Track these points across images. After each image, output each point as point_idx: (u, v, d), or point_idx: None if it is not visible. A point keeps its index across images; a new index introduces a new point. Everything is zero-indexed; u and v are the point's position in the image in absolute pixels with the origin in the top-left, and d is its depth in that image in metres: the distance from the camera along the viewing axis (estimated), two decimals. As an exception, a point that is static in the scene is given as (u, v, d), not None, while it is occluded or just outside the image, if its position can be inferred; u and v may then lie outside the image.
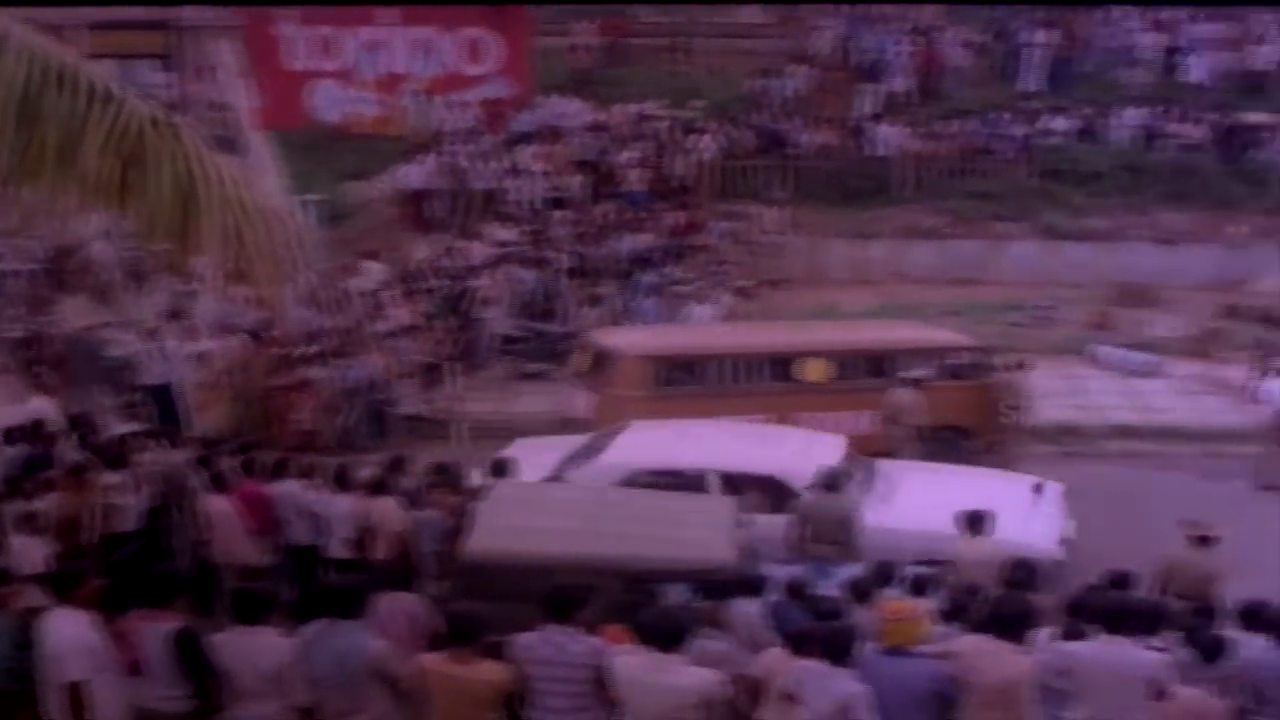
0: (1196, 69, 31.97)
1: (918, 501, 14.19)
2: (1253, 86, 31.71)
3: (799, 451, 14.61)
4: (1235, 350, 22.48)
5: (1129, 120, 30.11)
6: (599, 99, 30.73)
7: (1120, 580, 10.76)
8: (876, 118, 30.05)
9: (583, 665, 7.98)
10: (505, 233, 25.28)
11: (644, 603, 9.49)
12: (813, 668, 7.93)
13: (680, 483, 13.64)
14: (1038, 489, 14.68)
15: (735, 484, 13.67)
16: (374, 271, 22.94)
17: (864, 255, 27.39)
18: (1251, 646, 9.24)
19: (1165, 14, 33.75)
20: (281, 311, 19.38)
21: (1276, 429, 17.75)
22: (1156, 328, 23.68)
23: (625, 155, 28.24)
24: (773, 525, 12.90)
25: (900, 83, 31.50)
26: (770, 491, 13.78)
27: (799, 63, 32.01)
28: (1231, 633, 9.55)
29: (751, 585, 10.08)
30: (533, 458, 14.60)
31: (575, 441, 15.49)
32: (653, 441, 15.05)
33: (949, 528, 12.61)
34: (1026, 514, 13.99)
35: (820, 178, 28.65)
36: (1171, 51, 32.57)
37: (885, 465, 15.20)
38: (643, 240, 25.36)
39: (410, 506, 12.68)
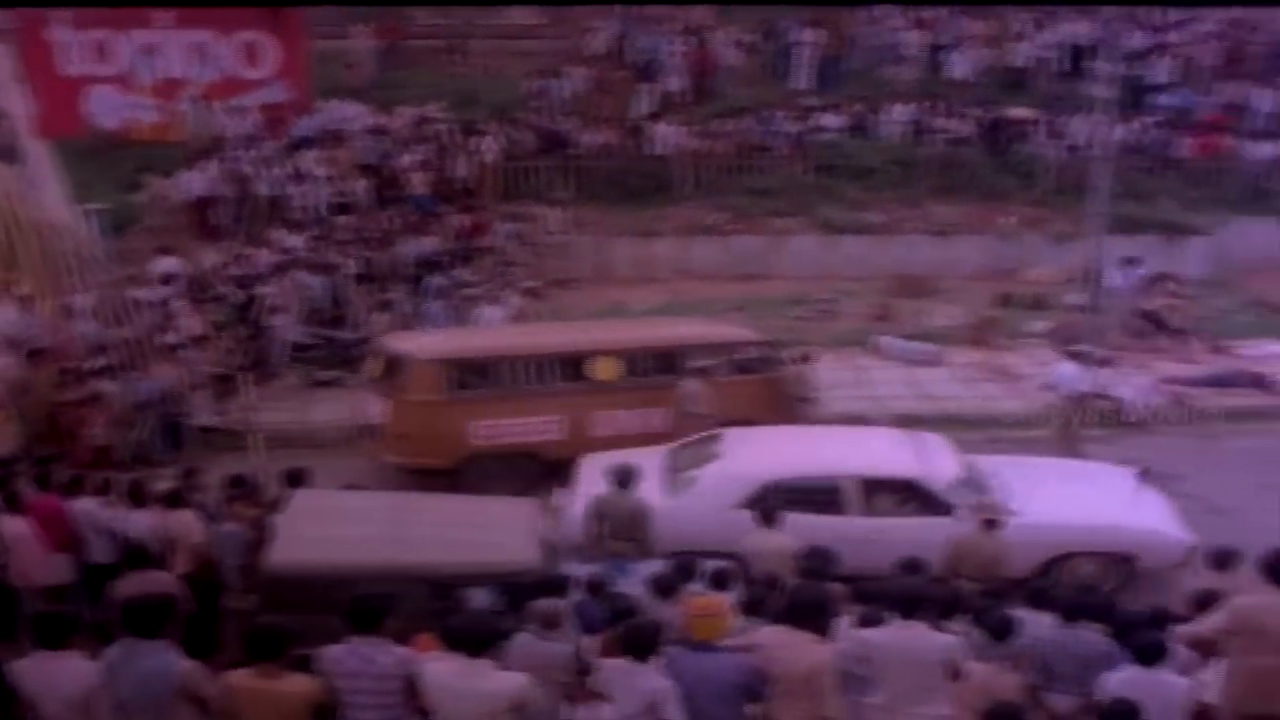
0: (960, 65, 32.86)
1: (1055, 495, 14.58)
2: (1013, 82, 32.82)
3: (921, 454, 14.80)
4: (1011, 337, 23.31)
5: (898, 116, 30.79)
6: (379, 102, 30.43)
7: (912, 566, 11.01)
8: (654, 117, 30.28)
9: (392, 676, 7.99)
10: (293, 239, 24.82)
11: (450, 608, 9.51)
12: (619, 666, 8.09)
13: (816, 490, 14.00)
14: (1143, 475, 15.04)
15: (870, 489, 13.99)
16: (169, 266, 22.32)
17: (648, 253, 27.59)
18: (1039, 625, 9.58)
19: (928, 12, 34.66)
20: (65, 325, 18.81)
21: (1067, 411, 18.31)
22: (935, 318, 24.24)
23: (408, 158, 27.99)
24: (913, 528, 13.22)
25: (676, 82, 31.83)
26: (904, 494, 14.06)
27: (576, 63, 32.15)
28: (1020, 612, 9.89)
29: (554, 585, 10.09)
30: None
31: (656, 457, 15.34)
32: (771, 451, 15.21)
33: (1111, 517, 13.85)
34: (1144, 501, 14.56)
35: (602, 177, 28.81)
36: (935, 49, 33.40)
37: (985, 463, 15.30)
38: (429, 243, 25.11)
39: (210, 520, 12.45)
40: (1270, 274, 26.47)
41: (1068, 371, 18.47)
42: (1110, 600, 10.34)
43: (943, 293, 25.75)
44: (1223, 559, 10.98)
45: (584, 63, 32.33)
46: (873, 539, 13.21)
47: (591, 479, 14.58)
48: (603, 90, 31.55)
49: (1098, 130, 22.77)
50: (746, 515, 13.22)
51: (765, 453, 15.08)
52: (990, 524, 12.31)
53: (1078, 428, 18.11)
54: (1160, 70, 32.61)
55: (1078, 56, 32.09)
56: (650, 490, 13.96)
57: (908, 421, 19.42)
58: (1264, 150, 30.01)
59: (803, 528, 13.08)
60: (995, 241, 28.01)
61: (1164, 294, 23.86)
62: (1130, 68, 30.20)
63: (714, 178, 29.15)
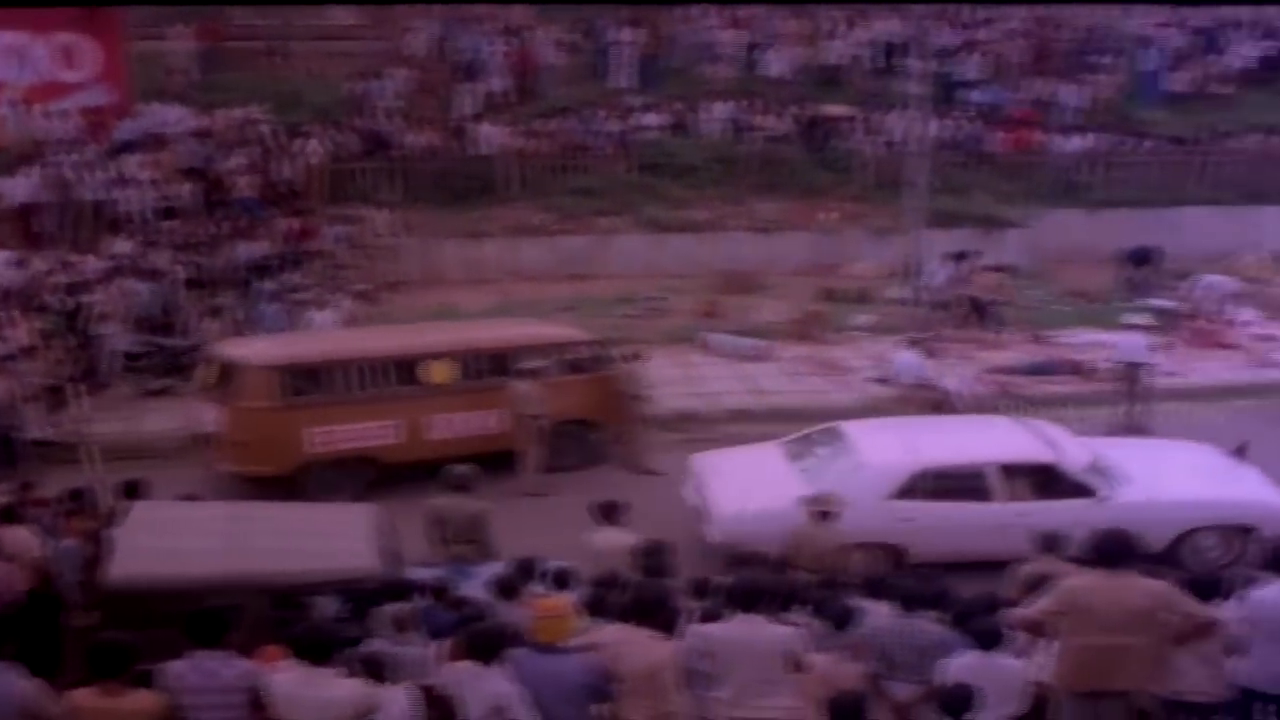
0: (776, 63, 33.25)
1: (1176, 473, 14.93)
2: (829, 79, 33.33)
3: (1049, 439, 14.98)
4: (836, 331, 23.61)
5: (717, 114, 31.10)
6: (200, 105, 29.76)
7: (752, 560, 11.18)
8: (477, 117, 30.22)
9: (236, 689, 7.85)
10: (123, 245, 24.23)
11: (294, 618, 9.43)
12: (466, 669, 8.05)
13: (961, 478, 14.18)
14: (1240, 452, 15.16)
15: (1011, 475, 14.09)
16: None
17: (477, 254, 27.51)
18: (878, 614, 9.69)
19: (744, 11, 35.08)
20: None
21: (910, 398, 18.67)
22: (762, 313, 24.44)
23: (233, 161, 27.52)
24: (1054, 511, 13.32)
25: (498, 82, 31.80)
26: (1043, 478, 14.19)
27: (397, 64, 31.93)
28: (859, 602, 10.02)
29: (398, 591, 10.08)
30: (742, 472, 15.03)
31: (772, 454, 15.51)
32: (904, 441, 15.15)
33: (1231, 492, 14.29)
34: (1248, 475, 14.80)
35: (428, 178, 28.66)
36: (751, 47, 33.75)
37: (1100, 445, 15.56)
38: (259, 248, 24.74)
39: (47, 536, 12.15)
40: (1083, 264, 27.22)
41: (908, 360, 18.81)
42: (944, 588, 10.52)
43: (768, 288, 26.01)
44: (1049, 542, 11.20)
45: (405, 63, 32.13)
46: (1016, 523, 13.03)
47: (715, 477, 14.99)
48: (425, 91, 31.42)
49: (913, 126, 23.26)
50: (900, 504, 13.88)
51: (901, 444, 15.10)
52: (824, 516, 12.40)
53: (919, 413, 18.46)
54: (971, 67, 33.41)
55: (890, 54, 32.55)
56: (785, 487, 14.12)
57: (740, 417, 19.81)
58: (1073, 144, 30.98)
59: (949, 515, 13.84)
60: (817, 237, 28.41)
61: (992, 285, 24.36)
62: (942, 65, 30.94)
63: (539, 177, 29.16)
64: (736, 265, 26.75)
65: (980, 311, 23.65)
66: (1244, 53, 35.07)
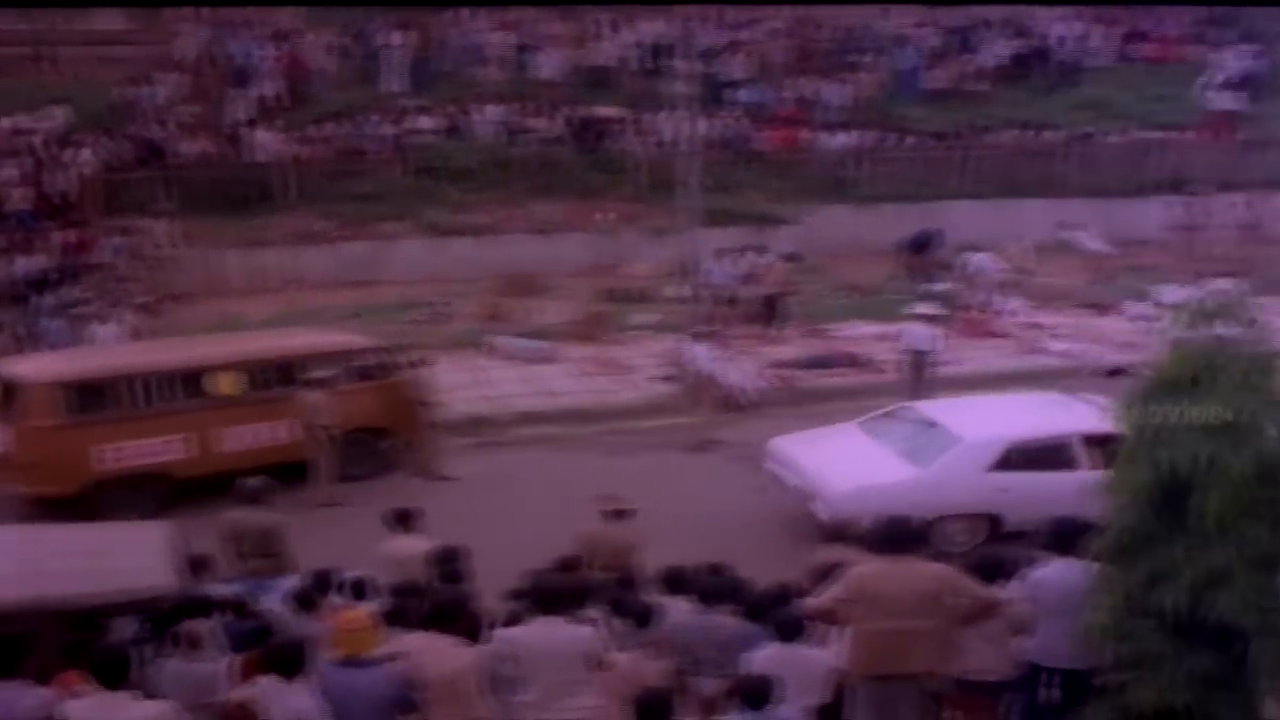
0: (546, 65, 33.42)
1: None
2: (598, 81, 33.53)
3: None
4: (619, 331, 23.93)
5: (490, 116, 31.11)
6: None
7: (569, 564, 11.29)
8: (251, 123, 29.76)
9: (34, 719, 7.70)
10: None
11: (91, 641, 9.27)
12: (268, 685, 7.96)
13: (1049, 449, 14.69)
14: None
15: (1090, 444, 14.25)
16: None
17: (259, 263, 27.08)
18: (677, 610, 9.83)
19: (512, 13, 35.17)
20: None
21: (701, 390, 19.03)
22: (545, 315, 24.63)
23: (3, 173, 26.64)
24: None
25: (270, 87, 31.35)
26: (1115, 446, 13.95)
27: (168, 69, 31.23)
28: (658, 598, 10.18)
29: (198, 607, 9.84)
30: (837, 453, 15.44)
31: (852, 435, 15.95)
32: (988, 416, 15.93)
33: None
34: None
35: (204, 187, 28.03)
36: (520, 49, 33.85)
37: None
38: (36, 262, 24.04)
39: None
40: (853, 257, 27.89)
41: (700, 353, 19.12)
42: (739, 582, 10.74)
43: (550, 290, 26.18)
44: (837, 531, 11.57)
45: (176, 68, 31.44)
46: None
47: (811, 458, 15.42)
48: (197, 97, 30.77)
49: (682, 126, 23.39)
50: (997, 476, 14.54)
51: (990, 420, 15.75)
52: (619, 514, 12.37)
53: (711, 406, 18.95)
54: (736, 67, 33.97)
55: (658, 55, 32.77)
56: (886, 464, 14.93)
57: (531, 419, 19.97)
58: (838, 141, 31.76)
59: (1040, 484, 14.18)
60: (596, 238, 28.66)
61: (782, 278, 24.74)
62: (708, 65, 31.33)
63: (317, 184, 28.82)
64: (517, 268, 26.79)
65: (772, 306, 24.06)
66: (997, 51, 36.41)
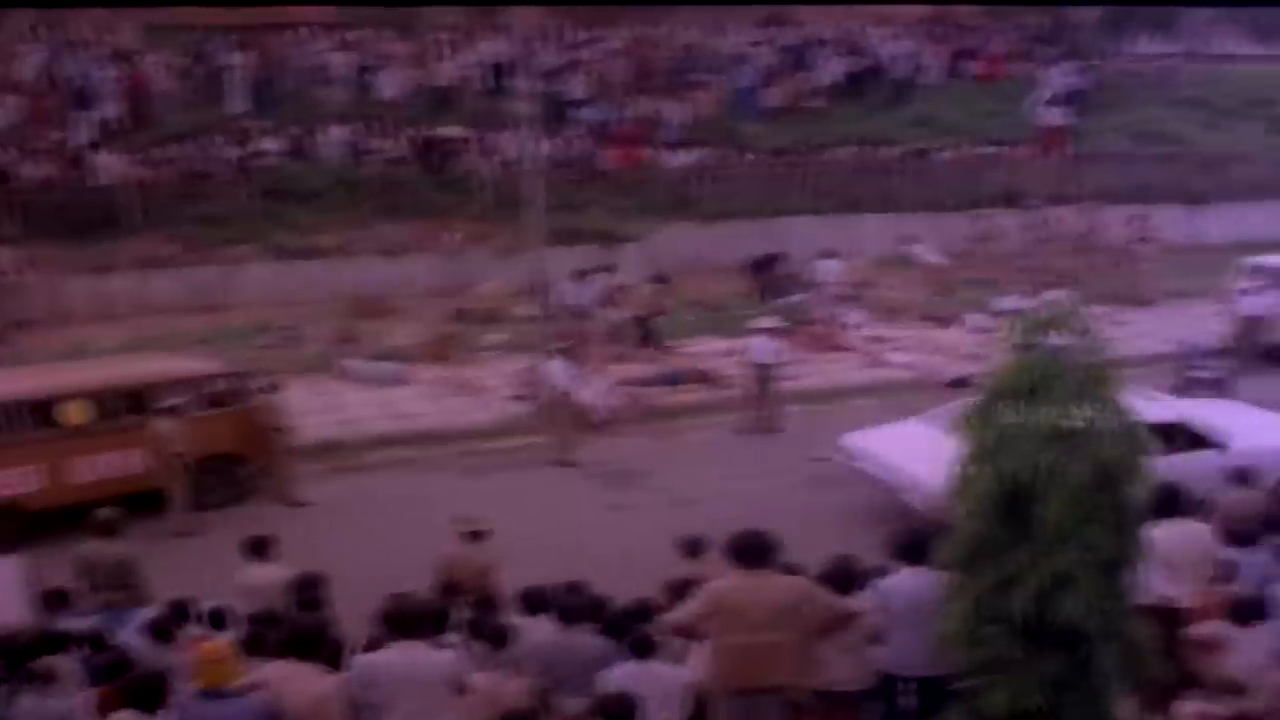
0: (388, 86, 33.31)
1: (1255, 426, 16.48)
2: (441, 101, 33.45)
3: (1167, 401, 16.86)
4: (470, 351, 23.83)
5: (335, 138, 30.92)
6: None
7: (438, 588, 11.22)
8: (94, 146, 29.15)
9: None
10: None
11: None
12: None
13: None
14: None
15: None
16: None
17: (105, 289, 26.50)
18: (538, 630, 9.90)
19: (352, 34, 35.03)
20: None
21: (558, 408, 18.93)
22: (396, 337, 24.45)
23: None
24: (1193, 461, 14.63)
25: (112, 109, 30.70)
26: (1173, 434, 14.93)
27: (6, 91, 30.43)
28: (517, 619, 10.23)
29: (54, 642, 9.71)
30: (925, 447, 15.02)
31: (930, 428, 15.90)
32: None
33: None
34: None
35: (48, 211, 27.29)
36: (363, 70, 33.67)
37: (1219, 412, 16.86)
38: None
39: None
40: (700, 274, 28.09)
41: (556, 370, 19.09)
42: (600, 599, 10.83)
43: (400, 312, 26.00)
44: (693, 546, 11.48)
45: (15, 90, 30.63)
46: (1168, 474, 13.53)
47: (900, 454, 15.89)
48: (38, 119, 30.00)
49: (525, 146, 23.42)
50: None
51: None
52: (476, 536, 12.30)
53: (568, 424, 18.91)
54: (577, 86, 34.13)
55: (499, 74, 32.93)
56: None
57: (385, 442, 19.84)
58: (680, 159, 32.11)
59: None
60: (444, 259, 28.48)
61: (648, 299, 24.77)
62: (549, 84, 31.43)
63: (162, 207, 28.23)
64: (367, 289, 26.68)
65: (644, 327, 24.02)
66: (832, 69, 37.06)
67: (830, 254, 26.44)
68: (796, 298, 25.63)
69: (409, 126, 31.77)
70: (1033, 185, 32.70)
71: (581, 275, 24.14)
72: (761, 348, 20.45)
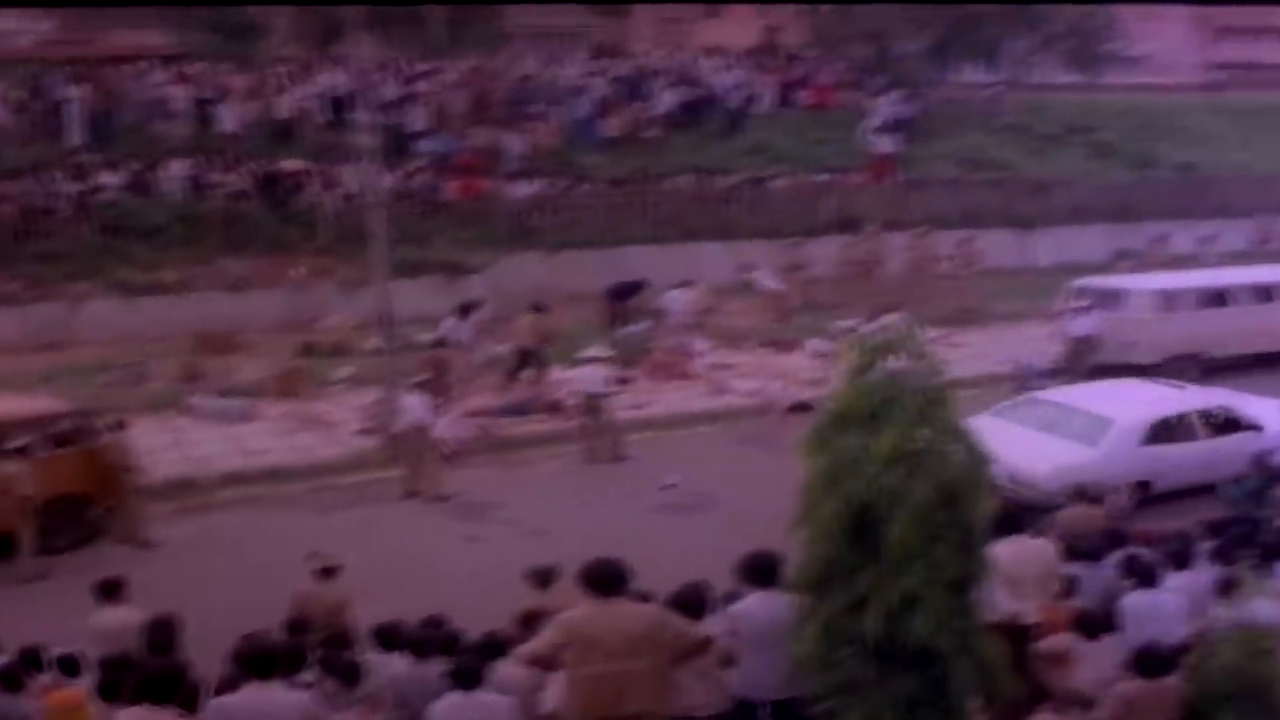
0: (229, 119, 32.90)
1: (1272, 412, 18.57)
2: (282, 133, 33.20)
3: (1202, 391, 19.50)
4: (318, 386, 23.55)
5: (175, 172, 30.38)
6: None
7: (291, 627, 11.15)
8: (-71, 181, 28.27)
9: None
10: None
11: None
12: None
13: (1176, 424, 17.86)
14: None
15: (1203, 419, 18.02)
16: None
17: (-57, 328, 25.70)
18: (392, 665, 9.92)
19: (190, 67, 34.62)
20: None
21: (416, 441, 18.77)
22: (243, 373, 23.99)
23: None
24: (1235, 441, 17.55)
25: (-53, 143, 29.82)
26: (1223, 420, 18.04)
27: None
28: (370, 655, 10.23)
29: None
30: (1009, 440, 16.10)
31: (996, 421, 17.33)
32: (1124, 399, 18.82)
33: None
34: None
35: (-115, 248, 26.40)
36: (202, 103, 33.24)
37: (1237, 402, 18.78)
38: None
39: None
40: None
41: (413, 404, 18.97)
42: (455, 633, 10.87)
43: (246, 347, 25.52)
44: (543, 577, 11.47)
45: None
46: (1216, 455, 17.28)
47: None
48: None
49: (367, 178, 23.23)
50: (1147, 449, 17.37)
51: (1127, 403, 18.53)
52: (329, 572, 12.15)
53: (426, 458, 18.77)
54: (417, 118, 34.09)
55: (338, 107, 32.72)
56: (1061, 447, 17.20)
57: (235, 479, 19.55)
58: (521, 189, 32.12)
59: (1177, 453, 17.48)
60: (290, 293, 28.11)
61: (529, 329, 24.11)
62: (389, 116, 31.37)
63: (1, 244, 27.59)
64: (212, 325, 26.10)
65: (526, 359, 23.67)
66: (666, 100, 37.44)
67: (685, 284, 26.62)
68: (640, 326, 25.71)
69: (250, 160, 31.32)
70: (866, 211, 33.35)
71: (465, 311, 23.76)
72: (588, 377, 20.52)
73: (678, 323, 25.59)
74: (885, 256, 31.10)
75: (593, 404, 20.32)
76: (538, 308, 24.19)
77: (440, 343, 23.15)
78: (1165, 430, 17.72)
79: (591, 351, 21.26)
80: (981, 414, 17.50)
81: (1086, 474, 15.79)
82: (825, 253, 31.40)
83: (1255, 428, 17.89)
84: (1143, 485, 17.27)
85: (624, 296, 26.86)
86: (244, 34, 39.74)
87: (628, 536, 15.01)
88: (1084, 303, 24.27)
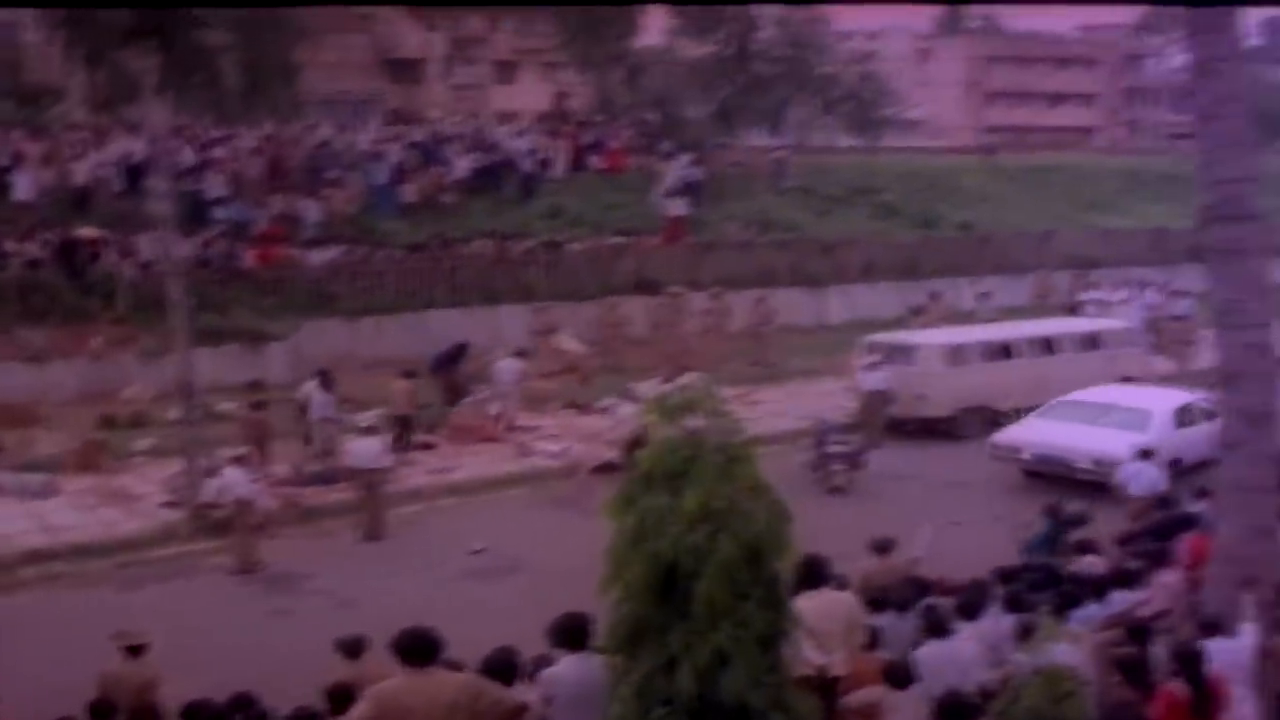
0: (23, 187, 31.98)
1: None
2: (77, 201, 32.36)
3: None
4: (120, 458, 22.88)
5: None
6: None
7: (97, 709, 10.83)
8: None
9: None
10: None
11: None
12: None
13: (1192, 408, 21.71)
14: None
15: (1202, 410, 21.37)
16: None
17: None
18: None
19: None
20: None
21: (239, 515, 18.25)
22: (41, 446, 23.19)
23: None
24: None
25: None
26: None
27: None
28: None
29: None
30: (1070, 433, 21.44)
31: (1048, 418, 22.44)
32: (1147, 395, 23.11)
33: None
34: None
35: None
36: (-1, 170, 32.22)
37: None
38: None
39: None
40: (348, 371, 27.06)
41: (232, 476, 18.46)
42: (265, 710, 10.69)
43: (45, 420, 24.63)
44: (352, 648, 11.24)
45: None
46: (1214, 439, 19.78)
47: (1051, 437, 21.76)
48: None
49: (165, 246, 22.63)
50: (1180, 431, 21.14)
51: (1151, 397, 22.82)
52: (135, 650, 11.70)
53: (248, 531, 18.31)
54: (214, 185, 33.47)
55: (135, 174, 32.08)
56: (1118, 435, 20.54)
57: (36, 557, 18.81)
58: (320, 256, 31.68)
59: (1197, 432, 20.55)
60: (89, 364, 27.17)
61: (406, 395, 24.01)
62: (186, 183, 30.85)
63: None
64: (9, 397, 25.07)
65: (406, 426, 23.63)
66: (463, 165, 37.50)
67: (519, 353, 26.43)
68: (480, 396, 25.59)
69: (46, 228, 30.38)
70: (660, 273, 33.86)
71: (328, 383, 23.06)
72: (362, 450, 19.76)
73: (509, 391, 25.21)
74: (684, 316, 31.46)
75: (369, 478, 19.67)
76: (409, 374, 24.23)
77: (258, 405, 22.70)
78: (1185, 416, 21.55)
79: (365, 422, 20.77)
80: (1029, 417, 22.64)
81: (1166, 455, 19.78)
82: (587, 315, 31.72)
83: None
84: (1175, 462, 19.86)
85: (450, 364, 26.30)
86: (37, 99, 38.80)
87: (438, 603, 15.10)
88: (874, 358, 24.80)
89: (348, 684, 10.00)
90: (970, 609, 11.57)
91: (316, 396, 22.70)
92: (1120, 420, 21.29)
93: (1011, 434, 22.43)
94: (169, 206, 21.80)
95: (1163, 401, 22.10)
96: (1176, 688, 9.61)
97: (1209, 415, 20.68)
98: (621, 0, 41.61)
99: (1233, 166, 10.89)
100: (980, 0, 43.40)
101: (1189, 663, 9.70)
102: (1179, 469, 19.80)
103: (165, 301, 21.62)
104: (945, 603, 11.89)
